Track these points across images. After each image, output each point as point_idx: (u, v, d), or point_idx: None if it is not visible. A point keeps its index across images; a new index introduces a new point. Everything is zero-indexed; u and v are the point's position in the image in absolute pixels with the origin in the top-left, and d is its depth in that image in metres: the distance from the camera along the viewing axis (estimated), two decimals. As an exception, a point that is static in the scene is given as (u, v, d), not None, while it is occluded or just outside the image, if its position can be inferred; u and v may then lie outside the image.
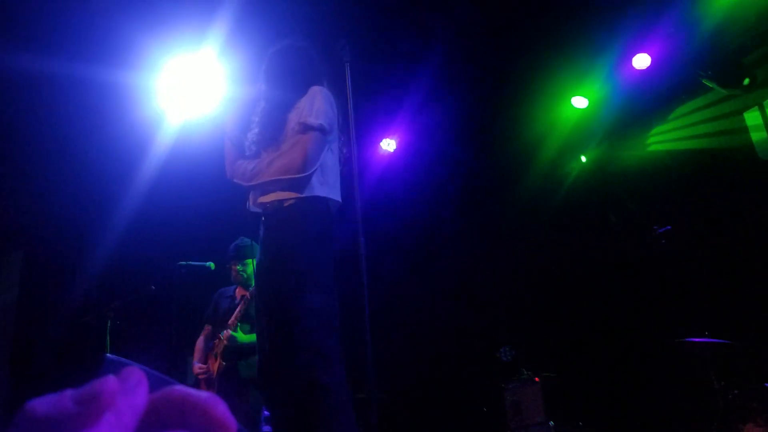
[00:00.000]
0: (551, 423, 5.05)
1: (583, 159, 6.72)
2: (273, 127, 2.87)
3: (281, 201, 2.80)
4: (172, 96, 5.21)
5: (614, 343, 5.83)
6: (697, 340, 4.56)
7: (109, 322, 4.42)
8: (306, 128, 2.79)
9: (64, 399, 0.31)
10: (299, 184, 2.77)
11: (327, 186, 2.85)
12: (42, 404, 0.31)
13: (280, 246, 2.74)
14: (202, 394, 0.34)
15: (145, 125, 5.22)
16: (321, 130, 2.80)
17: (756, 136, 5.41)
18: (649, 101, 5.97)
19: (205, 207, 5.68)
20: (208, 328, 4.59)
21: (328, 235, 2.81)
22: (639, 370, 5.63)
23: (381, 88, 5.74)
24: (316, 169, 2.80)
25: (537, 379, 5.40)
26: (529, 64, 5.74)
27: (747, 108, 5.50)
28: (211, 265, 4.74)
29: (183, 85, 5.17)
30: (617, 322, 5.87)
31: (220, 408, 0.33)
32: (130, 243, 5.33)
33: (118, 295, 4.70)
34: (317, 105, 2.83)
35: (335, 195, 2.89)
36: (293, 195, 2.78)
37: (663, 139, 6.08)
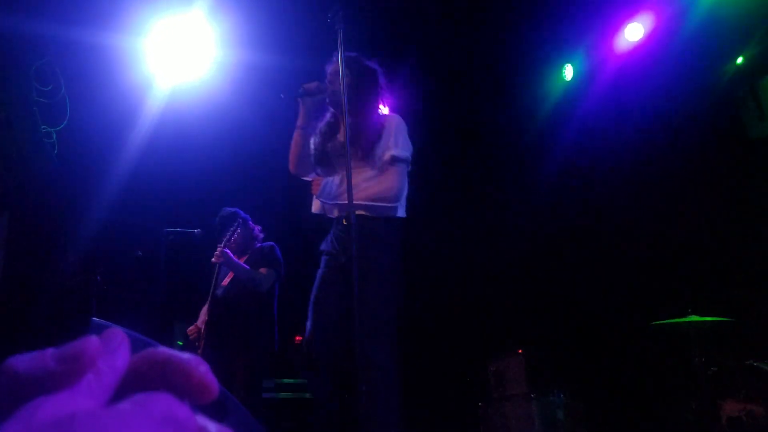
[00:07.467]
0: (533, 395, 5.11)
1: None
2: (359, 151, 3.11)
3: (367, 217, 3.08)
4: (160, 60, 5.13)
5: (597, 318, 5.89)
6: (677, 317, 4.62)
7: (95, 286, 4.40)
8: (395, 160, 3.09)
9: (45, 357, 0.31)
10: (388, 210, 3.11)
11: (402, 207, 3.20)
12: (22, 362, 0.31)
13: (364, 253, 2.98)
14: (185, 356, 0.34)
15: (133, 89, 5.15)
16: (407, 162, 3.14)
17: (747, 115, 5.42)
18: (639, 76, 5.94)
19: (194, 174, 5.64)
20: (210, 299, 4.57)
21: (401, 249, 3.17)
22: (621, 346, 5.69)
23: (375, 52, 5.67)
24: None
25: (520, 351, 5.45)
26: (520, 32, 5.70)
27: (739, 87, 5.50)
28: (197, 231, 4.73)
29: (172, 49, 5.10)
30: (601, 299, 5.92)
31: (201, 369, 0.33)
32: (117, 208, 5.30)
33: (105, 260, 4.68)
34: (402, 137, 3.16)
35: (404, 212, 3.22)
36: (380, 216, 3.11)
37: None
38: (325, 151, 3.26)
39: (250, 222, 4.62)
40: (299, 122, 3.25)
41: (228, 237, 4.33)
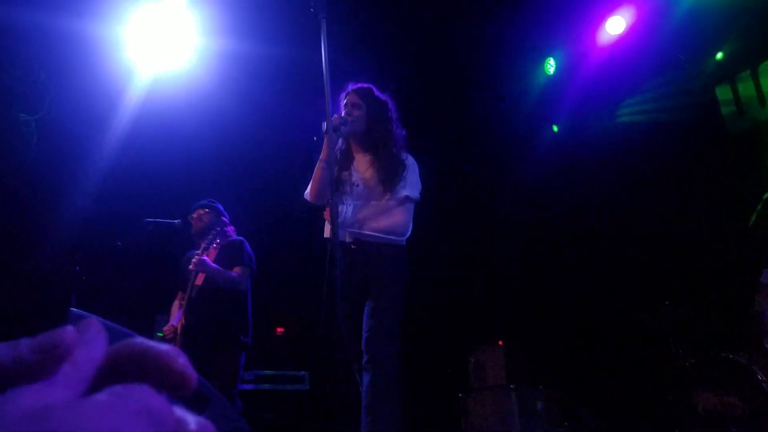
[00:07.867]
0: (512, 386, 5.16)
1: (555, 129, 6.74)
2: (382, 186, 3.34)
3: (376, 243, 3.33)
4: (141, 48, 5.07)
5: (576, 311, 5.94)
6: (656, 308, 4.68)
7: (73, 276, 4.36)
8: (408, 200, 3.37)
9: (21, 348, 0.30)
10: (395, 241, 3.37)
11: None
12: None
13: (374, 271, 3.29)
14: (163, 347, 0.33)
15: (114, 78, 5.08)
16: (416, 201, 3.43)
17: (726, 110, 5.48)
18: (620, 71, 5.98)
19: (175, 164, 5.60)
20: (180, 294, 4.56)
21: (406, 268, 3.43)
22: (599, 338, 5.75)
23: (359, 45, 5.64)
24: None
25: (500, 342, 5.50)
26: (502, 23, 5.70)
27: (718, 82, 5.56)
28: (178, 222, 4.72)
29: (152, 37, 5.04)
30: (579, 292, 5.97)
31: (180, 360, 0.33)
32: (97, 198, 5.25)
33: (85, 250, 4.64)
34: (415, 178, 3.45)
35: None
36: (389, 244, 3.35)
37: (633, 111, 6.12)
38: (341, 180, 3.41)
39: (226, 218, 4.64)
40: (322, 155, 3.33)
41: (206, 246, 4.34)
